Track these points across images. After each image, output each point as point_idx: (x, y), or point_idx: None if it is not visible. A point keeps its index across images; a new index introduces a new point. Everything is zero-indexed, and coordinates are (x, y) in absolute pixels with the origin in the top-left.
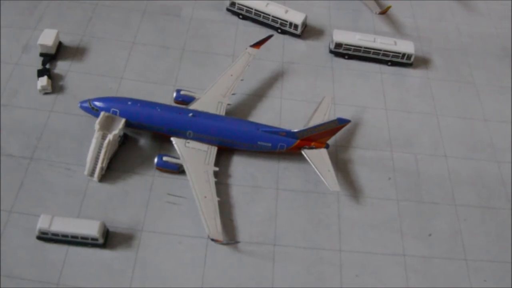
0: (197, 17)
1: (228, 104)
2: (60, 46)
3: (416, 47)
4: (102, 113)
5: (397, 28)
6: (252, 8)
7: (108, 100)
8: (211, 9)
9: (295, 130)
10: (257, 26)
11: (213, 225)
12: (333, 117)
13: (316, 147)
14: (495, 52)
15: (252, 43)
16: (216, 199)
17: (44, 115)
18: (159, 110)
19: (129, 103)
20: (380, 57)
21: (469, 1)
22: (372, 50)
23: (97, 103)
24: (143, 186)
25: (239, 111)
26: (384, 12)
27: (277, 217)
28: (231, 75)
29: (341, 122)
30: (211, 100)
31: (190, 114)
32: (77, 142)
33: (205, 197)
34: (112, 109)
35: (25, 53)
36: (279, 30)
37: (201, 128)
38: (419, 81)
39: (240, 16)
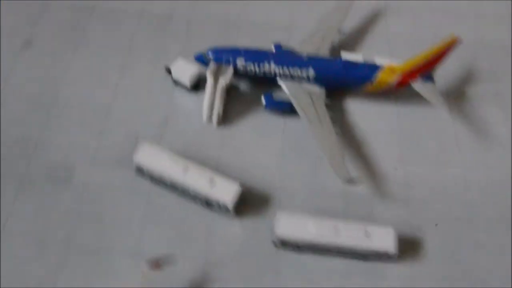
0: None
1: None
2: None
3: (401, 228)
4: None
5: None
6: (164, 177)
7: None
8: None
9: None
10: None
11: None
12: None
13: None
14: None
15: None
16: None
17: None
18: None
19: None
20: (345, 252)
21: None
22: (333, 246)
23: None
24: None
25: None
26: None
27: None
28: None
29: None
30: None
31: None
32: None
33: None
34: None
35: None
36: (205, 204)
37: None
38: (405, 280)
39: (151, 182)
